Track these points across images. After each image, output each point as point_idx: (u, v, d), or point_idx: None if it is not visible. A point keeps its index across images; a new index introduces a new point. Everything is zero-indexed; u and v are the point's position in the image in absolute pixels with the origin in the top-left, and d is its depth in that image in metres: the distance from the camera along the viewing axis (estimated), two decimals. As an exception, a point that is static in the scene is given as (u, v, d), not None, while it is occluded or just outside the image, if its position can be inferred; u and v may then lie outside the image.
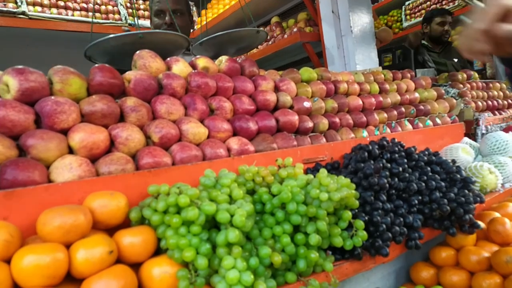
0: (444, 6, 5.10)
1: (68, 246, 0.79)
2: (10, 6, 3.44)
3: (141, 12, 4.59)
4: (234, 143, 1.27)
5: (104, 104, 1.08)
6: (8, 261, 0.73)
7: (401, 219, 1.17)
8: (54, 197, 0.89)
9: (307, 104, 1.56)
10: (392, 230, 1.14)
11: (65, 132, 1.01)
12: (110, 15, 4.24)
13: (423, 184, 1.26)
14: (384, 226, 1.12)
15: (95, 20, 3.95)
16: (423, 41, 3.72)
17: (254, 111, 1.44)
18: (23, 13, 3.47)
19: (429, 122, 1.98)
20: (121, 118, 1.14)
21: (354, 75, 1.95)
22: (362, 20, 2.97)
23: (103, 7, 4.21)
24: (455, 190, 1.29)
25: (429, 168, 1.34)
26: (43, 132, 0.96)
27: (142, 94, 1.21)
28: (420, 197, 1.25)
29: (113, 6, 4.32)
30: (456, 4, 4.94)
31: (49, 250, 0.74)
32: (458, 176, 1.34)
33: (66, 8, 3.92)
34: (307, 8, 3.33)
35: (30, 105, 1.00)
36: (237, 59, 1.60)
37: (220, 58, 1.56)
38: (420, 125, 1.95)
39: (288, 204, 0.97)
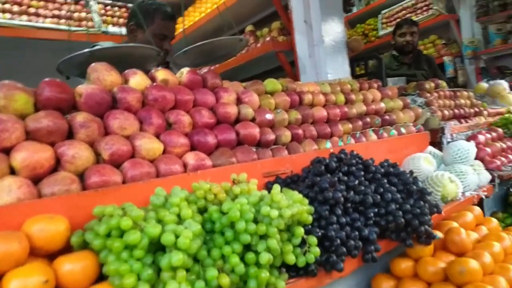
0: (418, 15, 5.22)
1: (1, 276, 0.76)
2: (-24, 14, 3.34)
3: (115, 19, 4.53)
4: (191, 158, 1.25)
5: (50, 121, 1.04)
6: None
7: (357, 233, 1.18)
8: (-10, 221, 0.85)
9: (269, 116, 1.56)
10: (348, 244, 1.14)
11: (8, 151, 0.98)
12: (84, 22, 4.16)
13: (379, 196, 1.26)
14: (338, 240, 1.12)
15: (69, 28, 3.87)
16: (393, 52, 3.79)
17: (214, 124, 1.43)
18: (-10, 20, 3.37)
19: (394, 132, 2.00)
20: (70, 135, 1.11)
21: (321, 85, 1.96)
22: (333, 29, 2.99)
23: (76, 14, 4.13)
24: (411, 202, 1.30)
25: (385, 180, 1.35)
26: (-18, 153, 0.92)
27: (94, 109, 1.17)
28: (376, 210, 1.26)
29: (86, 13, 4.25)
30: (430, 13, 5.06)
31: (-25, 281, 0.71)
32: (415, 187, 1.35)
33: (37, 15, 3.83)
34: (281, 17, 3.34)
35: (-30, 124, 0.96)
36: (199, 70, 1.58)
37: (181, 70, 1.55)
38: (385, 135, 1.97)
39: (237, 223, 0.95)
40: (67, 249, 0.90)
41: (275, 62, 3.39)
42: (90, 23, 4.22)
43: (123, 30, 3.95)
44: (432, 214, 1.34)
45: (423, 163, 1.73)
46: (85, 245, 0.90)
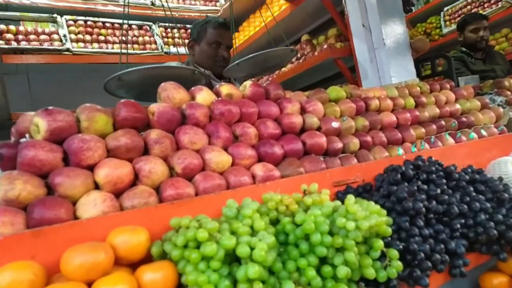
0: (486, 10, 4.85)
1: (90, 284, 0.80)
2: (56, 44, 3.70)
3: (176, 40, 4.77)
4: (259, 169, 1.25)
5: (128, 139, 1.10)
6: (32, 301, 0.75)
7: (442, 246, 1.08)
8: (79, 234, 0.90)
9: (335, 124, 1.51)
10: (432, 258, 1.05)
11: (91, 168, 1.04)
12: (148, 45, 4.44)
13: (466, 206, 1.15)
14: (422, 254, 1.03)
15: (131, 52, 4.14)
16: (462, 48, 3.53)
17: (279, 135, 1.41)
18: (68, 49, 3.72)
19: (474, 135, 1.84)
20: (146, 151, 1.16)
21: (387, 90, 1.87)
22: (395, 31, 2.87)
23: (140, 38, 4.42)
24: (503, 211, 1.17)
25: (472, 188, 1.23)
26: (70, 170, 1.00)
27: (165, 126, 1.22)
28: (463, 221, 1.15)
29: (149, 37, 4.53)
30: (500, 6, 4.67)
31: (69, 290, 0.75)
32: (506, 195, 1.21)
33: (106, 42, 4.16)
34: (337, 23, 3.28)
35: (59, 144, 1.05)
36: (263, 82, 1.59)
37: (244, 83, 1.56)
38: (463, 138, 1.82)
39: (312, 235, 0.92)
40: (147, 259, 0.92)
41: (334, 69, 3.33)
42: (153, 46, 4.49)
43: (182, 50, 4.16)
44: (528, 225, 1.19)
45: (510, 167, 1.56)
46: (164, 256, 0.93)
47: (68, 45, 3.73)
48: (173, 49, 4.60)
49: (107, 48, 4.11)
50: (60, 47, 3.67)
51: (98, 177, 1.01)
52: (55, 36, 3.78)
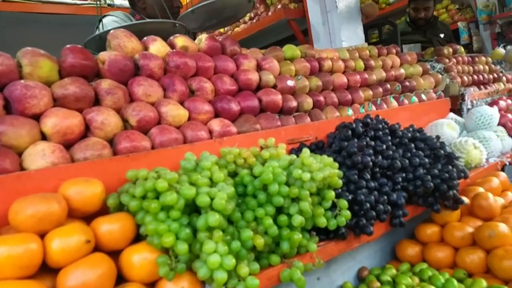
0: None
1: (42, 235, 0.77)
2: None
3: (121, -10, 4.42)
4: (216, 124, 1.24)
5: (77, 87, 1.03)
6: (-22, 253, 0.71)
7: (385, 197, 1.17)
8: (27, 185, 0.85)
9: (290, 82, 1.53)
10: (376, 209, 1.14)
11: (37, 117, 0.97)
12: (89, -5, 4.07)
13: (407, 161, 1.25)
14: (368, 204, 1.11)
15: (76, 2, 3.78)
16: (407, 19, 3.67)
17: (236, 91, 1.41)
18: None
19: (415, 99, 1.97)
20: (96, 101, 1.09)
21: (339, 52, 1.92)
22: (347, -5, 2.91)
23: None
24: (439, 166, 1.29)
25: (413, 145, 1.34)
26: (13, 118, 0.92)
27: (117, 76, 1.16)
28: (404, 174, 1.25)
29: (91, -15, 4.15)
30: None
31: (21, 241, 0.72)
32: (442, 152, 1.33)
33: (41, -13, 3.74)
34: (292, -17, 3.24)
35: (-2, 90, 0.95)
36: (218, 37, 1.55)
37: (199, 36, 1.51)
38: (406, 101, 1.94)
39: (270, 186, 0.95)
40: (102, 211, 0.90)
41: (287, 31, 3.32)
42: (95, -5, 4.13)
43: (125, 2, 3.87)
44: (459, 179, 1.33)
45: (446, 129, 1.70)
46: (120, 208, 0.91)
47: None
48: (116, 1, 4.27)
49: (41, -7, 3.69)
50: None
51: (46, 126, 0.95)
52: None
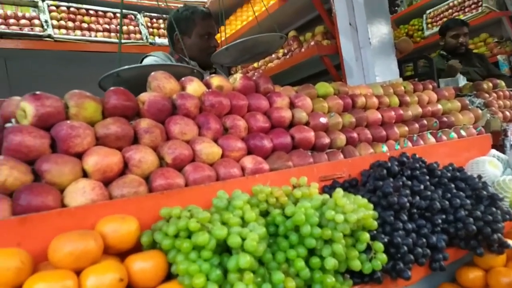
0: (466, 14, 4.99)
1: (78, 272, 0.79)
2: (37, 30, 3.59)
3: (161, 31, 4.70)
4: (248, 162, 1.25)
5: (118, 127, 1.09)
6: (19, 288, 0.74)
7: (424, 240, 1.12)
8: (67, 222, 0.89)
9: (323, 119, 1.53)
10: (414, 252, 1.09)
11: (80, 155, 1.03)
12: (132, 35, 4.35)
13: (447, 202, 1.20)
14: (405, 247, 1.06)
15: (115, 41, 4.06)
16: (441, 51, 3.63)
17: (269, 129, 1.42)
18: (49, 36, 3.61)
19: (453, 135, 1.90)
20: (135, 140, 1.14)
21: (373, 88, 1.91)
22: (380, 31, 2.92)
23: (124, 27, 4.33)
24: (481, 208, 1.22)
25: (453, 185, 1.28)
26: (58, 157, 0.98)
27: (156, 115, 1.21)
28: (444, 216, 1.19)
29: (134, 26, 4.44)
30: (480, 11, 4.81)
31: (58, 278, 0.74)
32: (485, 192, 1.27)
33: (89, 29, 4.06)
34: (324, 21, 3.30)
35: (47, 130, 1.02)
36: (252, 75, 1.59)
37: (234, 76, 1.56)
38: (444, 137, 1.88)
39: (302, 227, 0.93)
40: (136, 248, 0.92)
41: (320, 66, 3.36)
42: (138, 36, 4.41)
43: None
44: (504, 222, 1.25)
45: (488, 167, 1.62)
46: (154, 245, 0.93)
47: (50, 31, 3.62)
48: (158, 40, 4.53)
49: (90, 36, 4.00)
50: (41, 33, 3.55)
51: (87, 165, 1.00)
52: (36, 22, 3.65)
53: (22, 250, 0.79)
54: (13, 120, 1.05)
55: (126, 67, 1.51)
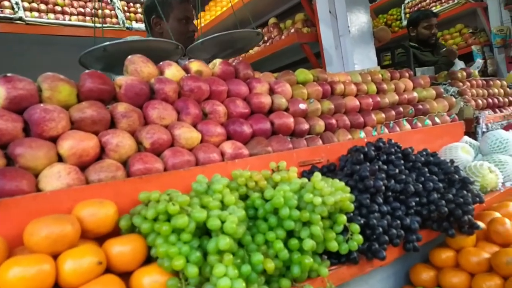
0: (443, 4, 5.09)
1: (55, 256, 0.78)
2: (7, 12, 3.44)
3: (138, 15, 4.58)
4: (228, 147, 1.25)
5: (94, 111, 1.07)
6: (-7, 273, 0.72)
7: (398, 222, 1.16)
8: (43, 206, 0.87)
9: (302, 106, 1.54)
10: (389, 233, 1.12)
11: (54, 140, 1.00)
12: (108, 19, 4.23)
13: (421, 185, 1.24)
14: (380, 229, 1.10)
15: (95, 25, 3.94)
16: (410, 43, 3.69)
17: (248, 114, 1.43)
18: (20, 18, 3.47)
19: (428, 122, 1.96)
20: (112, 124, 1.12)
21: (351, 75, 1.93)
22: (359, 19, 2.94)
23: (100, 11, 4.20)
24: (453, 191, 1.27)
25: (426, 169, 1.32)
26: (32, 141, 0.95)
27: (133, 100, 1.19)
28: (417, 199, 1.23)
29: (110, 10, 4.32)
30: (456, 2, 4.92)
31: (34, 262, 0.73)
32: (457, 176, 1.31)
33: (63, 13, 3.92)
34: (305, 8, 3.30)
35: (19, 113, 0.99)
36: (232, 61, 1.58)
37: (214, 61, 1.55)
38: (419, 124, 1.93)
39: (281, 209, 0.95)
40: (114, 233, 0.91)
41: (300, 54, 3.37)
42: (114, 20, 4.29)
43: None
44: (474, 204, 1.30)
45: (460, 152, 1.68)
46: (132, 229, 0.92)
47: (21, 13, 3.47)
48: (135, 25, 4.42)
49: (63, 19, 3.86)
50: (12, 15, 3.40)
51: (62, 149, 0.97)
52: (6, 3, 3.50)
53: (-4, 235, 0.77)
54: (-17, 103, 1.01)
55: (114, 42, 1.47)
